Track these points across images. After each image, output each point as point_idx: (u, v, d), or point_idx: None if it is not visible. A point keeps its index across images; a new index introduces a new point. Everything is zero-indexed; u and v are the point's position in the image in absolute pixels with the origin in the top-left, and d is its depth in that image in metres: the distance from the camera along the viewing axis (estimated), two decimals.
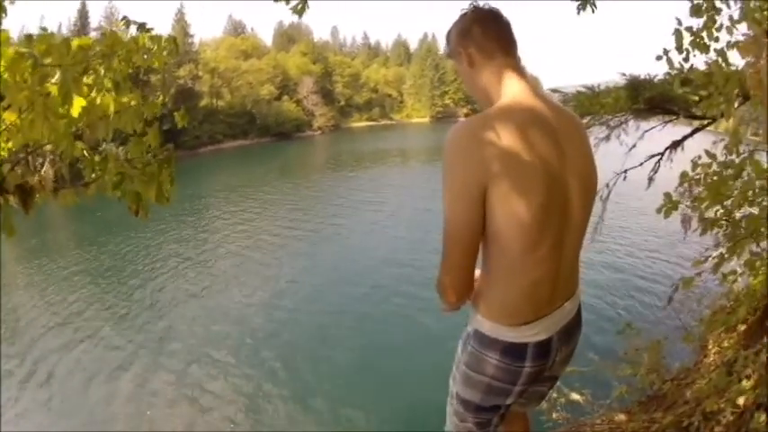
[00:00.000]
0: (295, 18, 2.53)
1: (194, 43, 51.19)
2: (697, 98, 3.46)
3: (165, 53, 1.74)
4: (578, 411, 3.17)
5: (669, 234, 12.01)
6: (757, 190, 2.45)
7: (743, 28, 2.16)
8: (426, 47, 72.27)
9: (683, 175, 2.72)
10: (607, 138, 4.11)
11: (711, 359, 2.75)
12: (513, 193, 1.01)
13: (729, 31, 2.18)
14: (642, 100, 3.90)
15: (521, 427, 1.52)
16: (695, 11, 2.25)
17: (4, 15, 1.50)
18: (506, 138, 1.02)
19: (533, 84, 1.18)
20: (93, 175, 1.69)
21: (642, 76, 3.97)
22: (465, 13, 1.20)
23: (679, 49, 2.28)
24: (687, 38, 2.24)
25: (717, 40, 2.25)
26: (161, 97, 1.89)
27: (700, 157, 2.73)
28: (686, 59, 2.32)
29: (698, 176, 2.69)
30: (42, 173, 1.71)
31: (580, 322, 1.26)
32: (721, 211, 2.55)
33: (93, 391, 8.36)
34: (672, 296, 2.93)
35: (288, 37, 67.68)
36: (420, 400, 6.80)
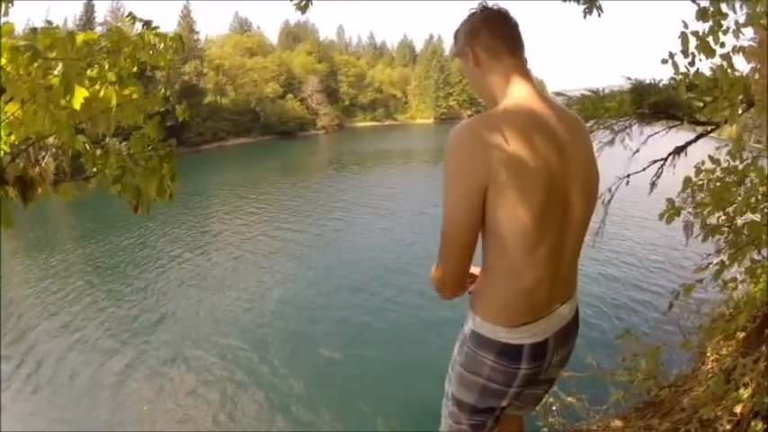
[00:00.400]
0: (300, 16, 2.52)
1: (200, 40, 51.39)
2: (701, 104, 3.44)
3: (170, 51, 1.74)
4: (574, 416, 3.15)
5: (670, 243, 11.98)
6: (760, 196, 2.44)
7: (749, 33, 2.15)
8: (432, 48, 72.26)
9: (687, 181, 2.71)
10: (611, 142, 4.08)
11: (709, 366, 2.73)
12: (513, 194, 1.01)
13: (736, 35, 2.16)
14: (647, 105, 3.88)
15: (516, 430, 1.51)
16: (701, 15, 2.23)
17: (11, 5, 1.50)
18: (508, 139, 1.02)
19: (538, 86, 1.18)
20: (95, 170, 1.70)
21: (647, 81, 3.95)
22: (473, 13, 1.19)
23: (684, 52, 2.27)
24: (693, 42, 2.23)
25: (723, 45, 2.23)
26: (162, 91, 1.88)
27: (703, 163, 2.72)
28: (692, 63, 2.30)
29: (701, 182, 2.68)
30: (43, 165, 1.71)
31: (577, 325, 1.26)
32: (723, 217, 2.54)
33: (81, 383, 8.45)
34: (672, 303, 2.93)
35: (293, 36, 67.78)
36: (415, 401, 6.79)
